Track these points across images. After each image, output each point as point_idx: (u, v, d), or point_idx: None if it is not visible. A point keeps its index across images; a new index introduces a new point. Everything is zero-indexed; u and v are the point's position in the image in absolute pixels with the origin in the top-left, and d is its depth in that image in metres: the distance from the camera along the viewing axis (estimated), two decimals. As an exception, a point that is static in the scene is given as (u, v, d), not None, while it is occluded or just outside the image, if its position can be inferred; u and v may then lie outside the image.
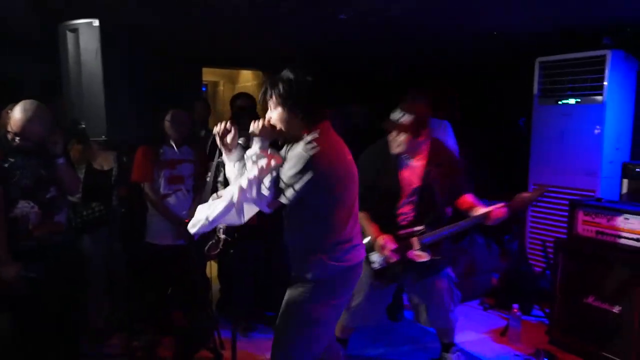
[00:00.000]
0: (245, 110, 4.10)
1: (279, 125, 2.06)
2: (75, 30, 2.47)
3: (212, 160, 2.45)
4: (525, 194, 2.67)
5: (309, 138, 1.98)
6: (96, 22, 2.42)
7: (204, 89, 7.42)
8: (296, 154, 1.97)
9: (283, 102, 2.02)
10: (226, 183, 2.38)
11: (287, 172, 1.97)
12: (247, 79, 6.84)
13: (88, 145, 3.24)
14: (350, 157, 2.12)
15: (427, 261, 2.73)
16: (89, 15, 2.53)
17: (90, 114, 2.53)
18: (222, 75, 7.48)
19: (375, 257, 2.73)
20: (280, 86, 2.02)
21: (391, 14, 3.40)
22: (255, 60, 5.82)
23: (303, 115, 2.02)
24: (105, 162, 3.30)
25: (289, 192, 1.97)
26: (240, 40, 4.63)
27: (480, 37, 4.19)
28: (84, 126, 2.50)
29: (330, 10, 3.35)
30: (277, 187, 2.00)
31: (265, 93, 2.08)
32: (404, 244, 2.70)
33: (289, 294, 2.17)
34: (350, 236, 2.12)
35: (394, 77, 5.64)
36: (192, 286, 3.25)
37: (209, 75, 7.05)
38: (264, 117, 2.12)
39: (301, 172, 1.93)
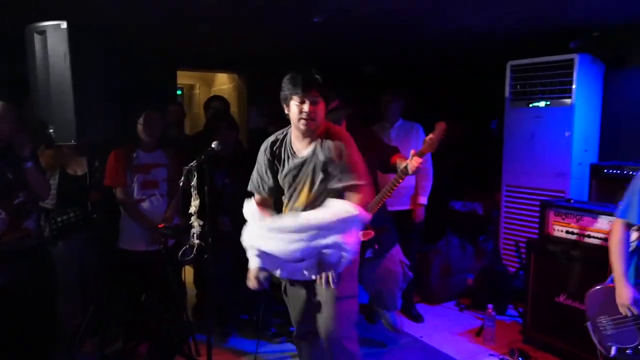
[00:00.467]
0: (219, 113, 4.09)
1: (320, 119, 2.16)
2: (42, 32, 2.41)
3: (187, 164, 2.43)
4: (430, 136, 2.75)
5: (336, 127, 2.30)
6: (64, 25, 2.37)
7: (179, 92, 7.35)
8: (342, 139, 2.20)
9: (326, 93, 2.16)
10: (199, 188, 2.36)
11: (349, 157, 2.17)
12: (222, 82, 6.79)
13: (60, 150, 3.17)
14: None
15: (375, 241, 2.83)
16: (58, 16, 2.47)
17: (59, 118, 2.48)
18: (198, 78, 7.41)
19: None
20: (319, 78, 2.14)
21: (361, 15, 3.42)
22: (230, 63, 5.79)
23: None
24: (79, 167, 3.23)
25: (360, 171, 2.18)
26: (215, 43, 4.60)
27: (452, 40, 4.25)
28: (51, 131, 2.44)
29: (305, 14, 3.36)
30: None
31: (309, 86, 2.11)
32: None
33: (320, 293, 2.26)
34: None
35: (369, 79, 5.69)
36: (167, 292, 3.20)
37: (184, 78, 6.99)
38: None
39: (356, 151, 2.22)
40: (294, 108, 2.14)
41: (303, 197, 2.25)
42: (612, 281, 2.30)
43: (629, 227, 2.27)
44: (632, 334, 2.23)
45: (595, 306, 2.38)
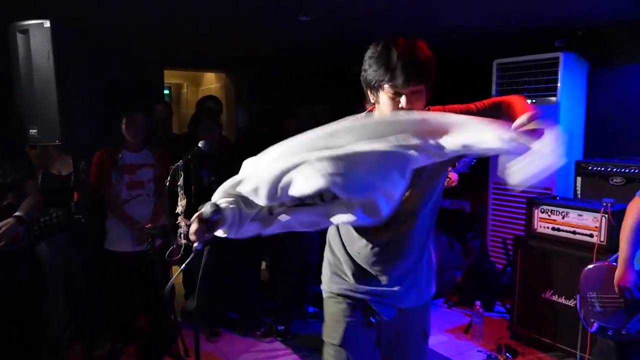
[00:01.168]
0: (210, 113, 4.05)
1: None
2: (25, 31, 2.38)
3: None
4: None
5: None
6: (47, 23, 2.34)
7: (167, 91, 7.31)
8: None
9: (432, 79, 1.53)
10: (186, 187, 2.35)
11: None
12: (210, 81, 6.77)
13: (45, 150, 3.13)
14: None
15: None
16: (41, 14, 2.44)
17: (43, 118, 2.45)
18: (185, 78, 7.38)
19: None
20: (429, 59, 1.49)
21: (350, 15, 3.42)
22: (219, 62, 5.76)
23: None
24: (64, 167, 3.20)
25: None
26: (204, 43, 4.58)
27: (440, 38, 4.27)
28: (35, 131, 2.41)
29: (292, 13, 3.36)
30: None
31: (414, 78, 1.43)
32: None
33: (422, 321, 1.79)
34: None
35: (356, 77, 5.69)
36: (155, 293, 3.18)
37: (172, 77, 6.95)
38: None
39: None
40: (386, 100, 1.49)
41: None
42: (615, 261, 2.27)
43: None
44: (620, 317, 2.23)
45: (590, 281, 2.37)
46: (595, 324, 2.29)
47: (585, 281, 2.42)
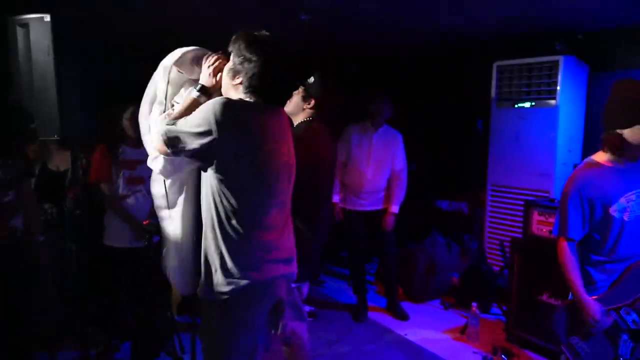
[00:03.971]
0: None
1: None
2: (25, 25, 2.38)
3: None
4: None
5: None
6: (47, 17, 2.33)
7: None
8: None
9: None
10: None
11: None
12: (210, 79, 6.75)
13: (44, 145, 3.12)
14: None
15: None
16: (41, 8, 2.44)
17: (42, 113, 2.44)
18: (185, 75, 7.35)
19: None
20: None
21: (350, 14, 3.43)
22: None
23: None
24: (62, 162, 3.19)
25: None
26: (203, 40, 4.57)
27: (440, 39, 4.27)
28: (34, 126, 2.41)
29: (293, 12, 3.36)
30: None
31: None
32: None
33: None
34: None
35: (351, 75, 5.71)
36: (151, 289, 3.18)
37: (171, 74, 6.93)
38: None
39: None
40: None
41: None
42: (572, 297, 2.22)
43: (572, 241, 2.23)
44: (605, 347, 2.15)
45: (562, 325, 2.28)
46: None
47: (559, 328, 2.29)
